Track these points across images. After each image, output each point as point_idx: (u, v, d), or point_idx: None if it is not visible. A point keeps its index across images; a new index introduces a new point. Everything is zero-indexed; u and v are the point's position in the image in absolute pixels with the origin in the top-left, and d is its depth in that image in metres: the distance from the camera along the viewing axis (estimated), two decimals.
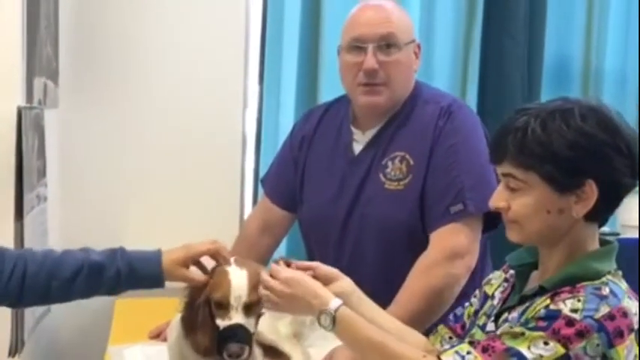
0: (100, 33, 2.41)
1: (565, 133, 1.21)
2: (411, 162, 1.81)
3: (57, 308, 2.15)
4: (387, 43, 1.81)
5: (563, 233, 1.26)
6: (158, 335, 1.84)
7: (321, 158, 1.96)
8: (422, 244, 1.77)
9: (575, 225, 1.26)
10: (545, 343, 1.16)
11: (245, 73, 2.55)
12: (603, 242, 1.31)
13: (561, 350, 1.15)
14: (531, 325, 1.19)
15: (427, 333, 1.54)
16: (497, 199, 1.30)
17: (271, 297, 1.37)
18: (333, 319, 1.32)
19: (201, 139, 2.49)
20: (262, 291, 1.38)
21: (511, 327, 1.23)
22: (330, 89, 2.38)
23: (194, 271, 1.44)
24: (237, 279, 1.37)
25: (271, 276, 1.39)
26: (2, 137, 1.72)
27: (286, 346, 1.64)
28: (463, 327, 1.46)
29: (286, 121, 2.50)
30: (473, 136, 1.82)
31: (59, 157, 2.37)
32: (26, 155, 1.78)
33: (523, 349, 1.17)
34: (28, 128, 1.81)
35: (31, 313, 1.88)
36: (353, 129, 1.92)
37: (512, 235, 1.31)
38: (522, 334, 1.18)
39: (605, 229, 1.35)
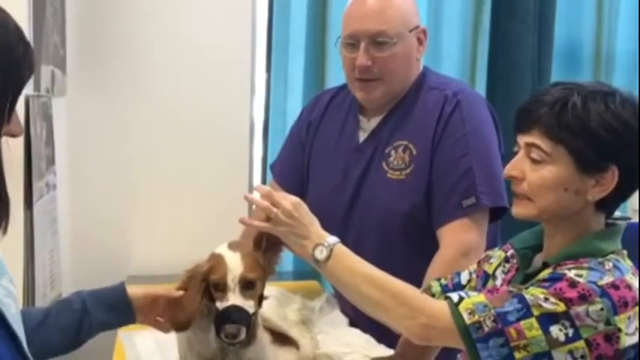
0: (108, 20, 2.41)
1: (604, 114, 1.21)
2: (414, 151, 1.79)
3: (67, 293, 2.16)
4: (379, 40, 1.76)
5: (570, 214, 1.26)
6: None
7: (327, 144, 1.95)
8: (421, 235, 1.76)
9: (584, 209, 1.26)
10: (546, 299, 1.17)
11: (252, 60, 2.54)
12: (609, 225, 1.30)
13: (562, 307, 1.16)
14: (534, 285, 1.20)
15: None
16: (514, 168, 1.29)
17: (279, 216, 1.37)
18: (330, 252, 1.34)
19: (210, 127, 2.49)
20: (272, 208, 1.37)
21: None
22: (337, 76, 2.36)
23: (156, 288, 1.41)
24: (232, 260, 1.38)
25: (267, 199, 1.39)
26: None
27: (294, 333, 1.65)
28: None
29: (294, 108, 2.49)
30: (483, 126, 1.79)
31: (68, 145, 2.38)
32: (34, 144, 1.79)
33: (525, 294, 1.19)
34: (36, 117, 1.82)
35: (42, 296, 1.89)
36: (360, 117, 1.91)
37: (520, 210, 1.29)
38: (525, 289, 1.21)
39: (617, 212, 1.34)
